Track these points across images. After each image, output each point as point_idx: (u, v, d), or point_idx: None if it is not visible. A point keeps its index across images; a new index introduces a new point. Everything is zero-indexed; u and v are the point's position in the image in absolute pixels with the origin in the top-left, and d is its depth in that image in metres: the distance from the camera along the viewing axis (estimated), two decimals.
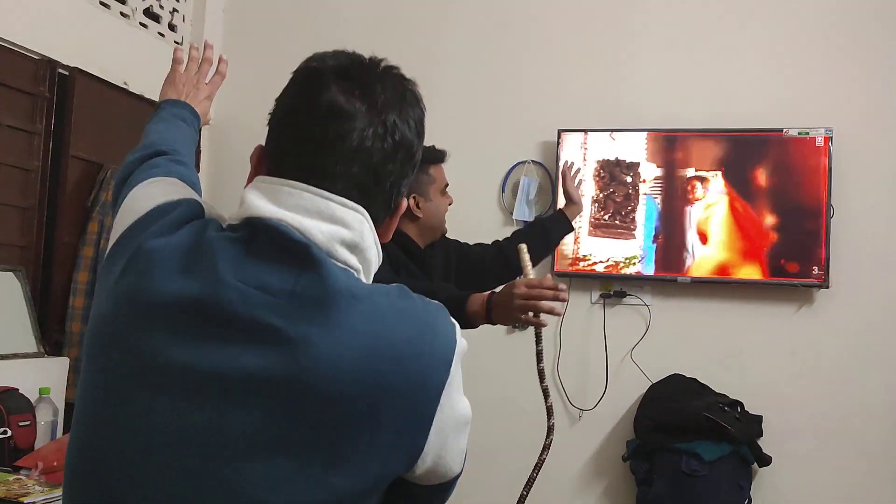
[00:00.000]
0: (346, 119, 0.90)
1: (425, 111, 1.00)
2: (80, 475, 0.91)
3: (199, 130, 1.47)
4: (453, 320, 0.93)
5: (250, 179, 0.96)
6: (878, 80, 3.08)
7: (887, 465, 2.96)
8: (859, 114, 3.08)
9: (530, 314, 1.73)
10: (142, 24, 3.42)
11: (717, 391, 3.06)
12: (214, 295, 0.84)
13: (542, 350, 1.80)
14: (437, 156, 2.17)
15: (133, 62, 3.27)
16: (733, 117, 3.15)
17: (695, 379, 3.10)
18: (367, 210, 0.92)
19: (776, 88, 3.17)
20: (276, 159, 0.94)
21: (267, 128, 0.99)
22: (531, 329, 1.98)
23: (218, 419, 0.82)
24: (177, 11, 3.64)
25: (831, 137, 3.00)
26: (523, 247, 1.85)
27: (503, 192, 3.40)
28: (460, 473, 0.98)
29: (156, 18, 3.52)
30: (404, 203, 0.99)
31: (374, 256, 0.94)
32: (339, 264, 0.88)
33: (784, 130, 3.06)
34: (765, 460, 2.95)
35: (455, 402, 0.90)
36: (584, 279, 3.27)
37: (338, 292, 0.85)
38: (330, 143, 0.90)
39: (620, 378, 3.22)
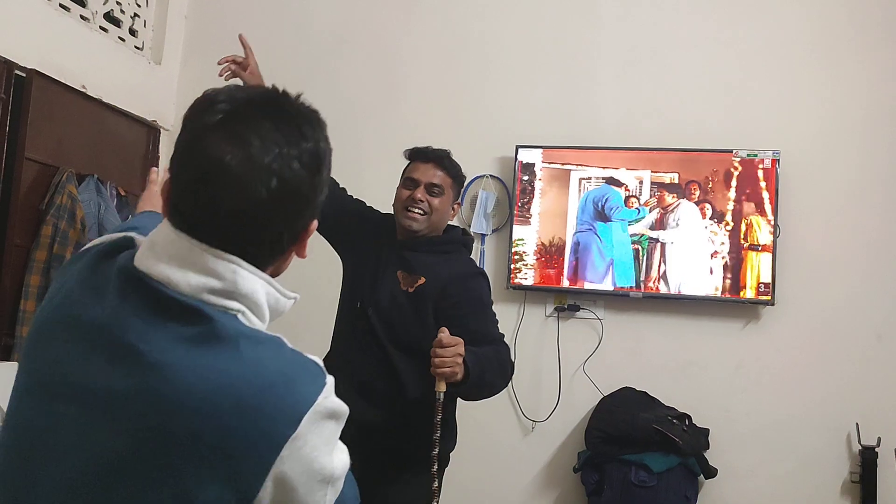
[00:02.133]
0: (220, 177, 0.89)
1: (322, 140, 1.01)
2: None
3: None
4: (326, 381, 0.93)
5: (164, 212, 0.96)
6: (825, 105, 3.20)
7: (829, 476, 3.06)
8: (806, 137, 3.19)
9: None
10: (102, 28, 3.40)
11: (667, 404, 3.12)
12: (107, 320, 0.91)
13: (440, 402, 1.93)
14: (410, 152, 2.28)
15: (92, 66, 3.25)
16: (686, 137, 3.24)
17: (645, 392, 3.17)
18: (249, 257, 0.93)
19: (727, 111, 3.28)
20: (170, 205, 0.95)
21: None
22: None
23: (83, 437, 0.88)
24: (138, 16, 3.63)
25: (778, 159, 3.11)
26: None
27: (461, 205, 3.43)
28: None
29: (116, 23, 3.50)
30: (312, 226, 1.00)
31: (261, 296, 0.95)
32: (216, 309, 0.91)
33: (734, 151, 3.16)
34: (711, 472, 3.02)
35: (305, 458, 0.89)
36: (538, 292, 3.32)
37: (202, 333, 0.89)
38: (207, 204, 0.90)
39: (573, 390, 3.27)
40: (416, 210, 2.17)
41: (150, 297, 0.90)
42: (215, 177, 0.89)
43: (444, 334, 1.90)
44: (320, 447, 0.91)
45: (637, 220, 3.22)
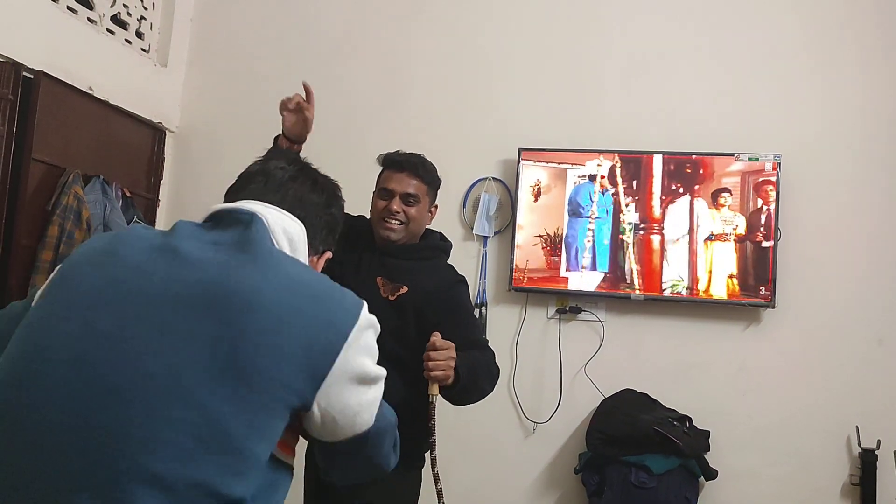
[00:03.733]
0: (283, 173, 1.31)
1: (338, 201, 1.39)
2: None
3: None
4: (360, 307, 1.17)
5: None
6: (825, 108, 3.22)
7: (829, 479, 3.06)
8: (807, 140, 3.21)
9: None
10: (109, 30, 3.43)
11: (668, 406, 3.14)
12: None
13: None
14: (385, 159, 2.25)
15: (99, 68, 3.29)
16: (688, 141, 3.26)
17: (646, 394, 3.18)
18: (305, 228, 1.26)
19: (729, 115, 3.29)
20: (230, 197, 1.30)
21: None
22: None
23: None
24: (144, 19, 3.67)
25: (780, 163, 3.13)
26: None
27: (464, 207, 3.46)
28: (362, 436, 1.16)
29: (123, 25, 3.54)
30: (327, 255, 1.35)
31: (304, 260, 1.24)
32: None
33: (735, 155, 3.17)
34: (711, 474, 3.03)
35: (361, 351, 1.13)
36: (540, 294, 3.34)
37: (271, 246, 1.18)
38: (272, 184, 1.29)
39: (574, 392, 3.28)
40: (393, 221, 2.16)
41: (236, 221, 1.19)
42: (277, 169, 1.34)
43: (437, 338, 1.93)
44: (370, 348, 1.17)
45: (637, 223, 3.24)
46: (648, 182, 3.25)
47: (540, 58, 3.50)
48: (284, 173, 1.30)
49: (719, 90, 3.31)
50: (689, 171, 3.21)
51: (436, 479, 2.03)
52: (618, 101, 3.39)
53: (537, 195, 3.33)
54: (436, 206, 2.28)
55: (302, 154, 3.63)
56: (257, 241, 1.14)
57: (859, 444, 3.01)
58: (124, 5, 3.53)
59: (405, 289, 2.12)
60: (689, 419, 3.08)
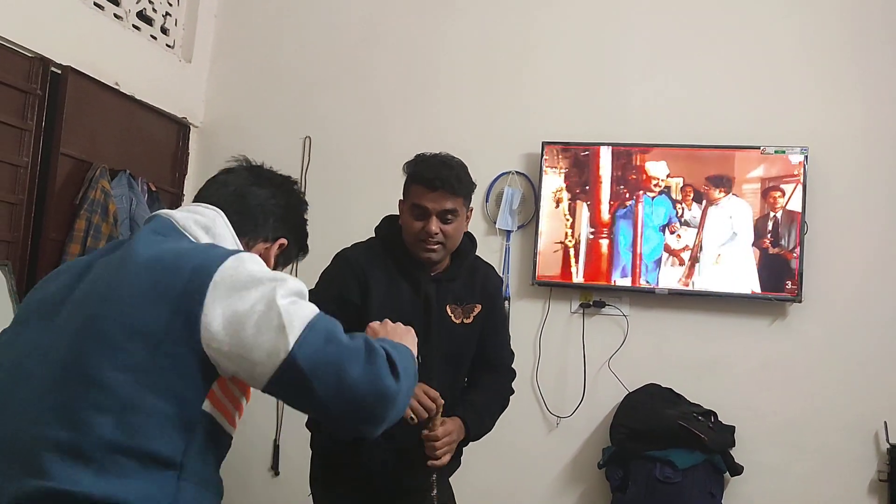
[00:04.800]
0: (226, 175, 1.43)
1: (289, 194, 1.46)
2: None
3: None
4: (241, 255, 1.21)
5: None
6: (853, 100, 3.17)
7: (856, 475, 3.02)
8: (835, 133, 3.17)
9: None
10: (135, 26, 3.46)
11: (692, 401, 3.12)
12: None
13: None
14: (417, 174, 2.03)
15: (125, 63, 3.31)
16: (713, 133, 3.23)
17: (670, 389, 3.16)
18: (226, 216, 1.33)
19: (755, 107, 3.26)
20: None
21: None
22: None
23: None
24: (169, 15, 3.69)
25: (807, 156, 3.09)
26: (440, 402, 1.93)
27: (487, 201, 3.46)
28: (290, 364, 1.11)
29: (148, 21, 3.57)
30: (281, 241, 1.41)
31: (229, 244, 1.29)
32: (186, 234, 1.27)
33: (761, 148, 3.14)
34: (736, 469, 3.01)
35: (231, 275, 1.14)
36: (563, 289, 3.33)
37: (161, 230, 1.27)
38: (212, 185, 1.41)
39: (598, 386, 3.27)
40: (433, 243, 2.00)
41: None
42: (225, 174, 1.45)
43: (440, 430, 1.90)
44: (239, 275, 1.15)
45: (663, 217, 3.22)
46: (674, 175, 3.23)
47: (564, 51, 3.48)
48: (227, 175, 1.42)
49: (745, 81, 3.28)
50: (713, 164, 3.18)
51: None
52: (642, 94, 3.37)
53: (558, 202, 3.32)
54: (471, 209, 2.13)
55: (329, 147, 3.66)
56: (136, 237, 1.24)
57: (888, 440, 2.97)
58: (150, 1, 3.56)
59: (479, 307, 2.12)
60: (714, 414, 3.06)
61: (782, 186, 3.11)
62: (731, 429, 3.08)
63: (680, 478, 2.87)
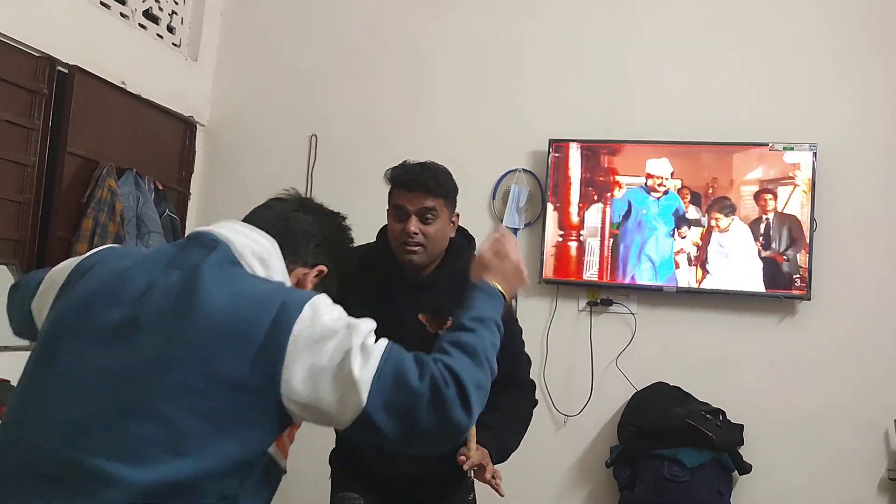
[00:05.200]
0: (276, 202, 1.42)
1: (332, 222, 1.45)
2: None
3: None
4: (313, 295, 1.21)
5: None
6: (863, 97, 3.15)
7: (865, 474, 3.01)
8: (844, 130, 3.15)
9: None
10: (141, 25, 3.46)
11: (700, 399, 3.10)
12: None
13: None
14: (395, 177, 2.03)
15: (132, 62, 3.32)
16: (721, 130, 3.22)
17: (678, 387, 3.15)
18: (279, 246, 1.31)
19: (764, 104, 3.24)
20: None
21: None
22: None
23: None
24: (175, 14, 3.69)
25: (815, 153, 3.07)
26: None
27: (494, 199, 3.45)
28: (365, 416, 1.12)
29: (155, 20, 3.57)
30: (320, 268, 1.37)
31: (280, 277, 1.28)
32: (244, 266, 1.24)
33: (770, 145, 3.13)
34: (745, 468, 3.00)
35: (308, 327, 1.14)
36: (571, 287, 3.32)
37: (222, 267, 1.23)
38: (260, 209, 1.39)
39: (605, 385, 3.26)
40: (413, 244, 1.97)
41: (201, 244, 1.25)
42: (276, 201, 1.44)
43: (478, 455, 1.86)
44: (320, 314, 1.16)
45: (671, 215, 3.20)
46: (682, 172, 3.21)
47: (571, 48, 3.47)
48: (276, 202, 1.42)
49: (753, 78, 3.26)
50: (721, 161, 3.17)
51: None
52: (649, 91, 3.35)
53: (568, 188, 3.31)
54: (457, 215, 2.09)
55: (335, 145, 3.66)
56: (203, 270, 1.19)
57: None
58: (156, 0, 3.56)
59: (451, 321, 2.01)
60: (723, 413, 3.05)
61: (788, 184, 3.09)
62: (740, 427, 3.06)
63: (688, 476, 2.87)
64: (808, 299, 3.05)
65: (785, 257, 3.07)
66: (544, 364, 3.32)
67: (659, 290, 3.20)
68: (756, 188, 3.13)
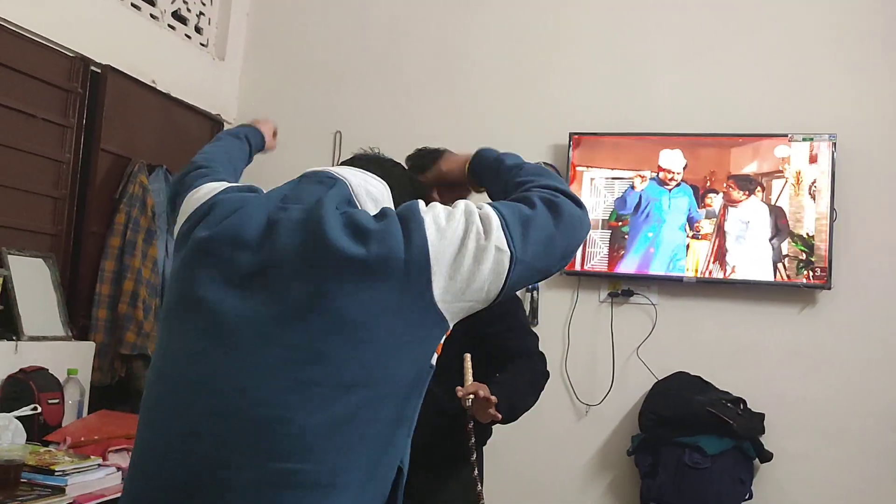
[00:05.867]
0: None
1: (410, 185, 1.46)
2: None
3: (259, 141, 1.89)
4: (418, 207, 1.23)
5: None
6: (883, 86, 3.17)
7: (887, 462, 3.02)
8: (864, 120, 3.16)
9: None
10: (170, 25, 3.55)
11: (721, 389, 3.13)
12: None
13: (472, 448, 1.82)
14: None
15: (161, 61, 3.41)
16: (741, 122, 3.24)
17: (699, 377, 3.18)
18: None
19: (782, 95, 3.26)
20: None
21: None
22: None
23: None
24: (203, 15, 3.78)
25: (835, 143, 3.09)
26: (467, 356, 1.85)
27: None
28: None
29: (183, 21, 3.66)
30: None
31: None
32: (359, 206, 1.27)
33: (789, 136, 3.15)
34: (766, 456, 3.02)
35: (435, 233, 1.16)
36: (592, 278, 3.36)
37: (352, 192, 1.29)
38: (362, 159, 1.45)
39: (627, 375, 3.30)
40: None
41: (319, 181, 1.29)
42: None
43: (468, 386, 1.78)
44: (441, 219, 1.19)
45: (691, 206, 3.23)
46: (703, 164, 3.24)
47: (591, 42, 3.51)
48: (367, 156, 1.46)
49: (773, 69, 3.28)
50: (741, 152, 3.19)
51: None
52: (669, 84, 3.39)
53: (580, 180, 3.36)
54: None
55: (359, 141, 3.72)
56: (324, 210, 1.20)
57: None
58: (184, 1, 3.65)
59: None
60: (744, 401, 3.07)
61: (810, 173, 3.11)
62: (761, 416, 3.09)
63: (709, 463, 2.90)
64: (829, 289, 3.07)
65: (805, 247, 3.09)
66: (566, 355, 3.37)
67: (679, 280, 3.23)
68: (776, 178, 3.15)
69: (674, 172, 3.26)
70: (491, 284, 1.17)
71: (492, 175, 1.52)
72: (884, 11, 3.20)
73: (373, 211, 1.24)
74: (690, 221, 3.23)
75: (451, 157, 1.78)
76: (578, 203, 1.29)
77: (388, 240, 1.14)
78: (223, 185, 1.37)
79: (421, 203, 1.21)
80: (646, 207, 3.29)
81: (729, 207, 3.19)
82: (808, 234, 3.09)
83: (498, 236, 1.16)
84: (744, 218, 3.17)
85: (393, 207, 1.27)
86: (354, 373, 1.10)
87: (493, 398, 1.77)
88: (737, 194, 3.19)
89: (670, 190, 3.26)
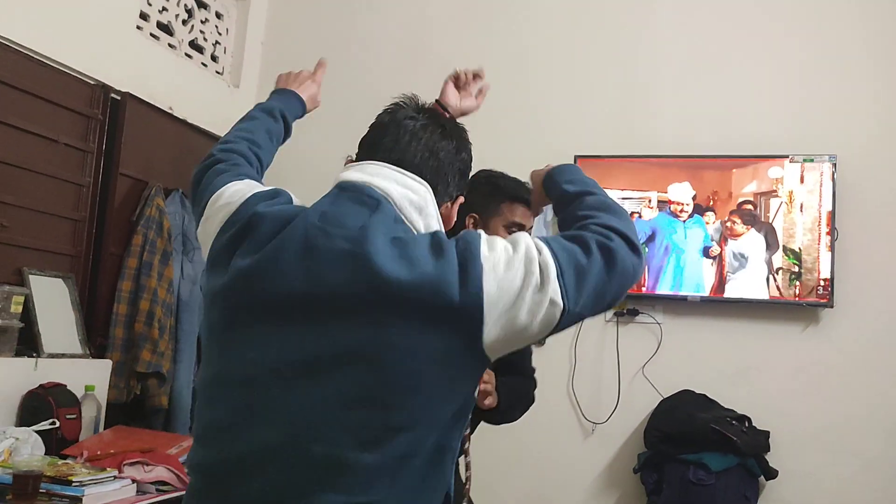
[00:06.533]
0: (412, 119, 1.32)
1: (467, 144, 1.40)
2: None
3: (296, 109, 1.91)
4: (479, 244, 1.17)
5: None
6: (882, 107, 3.22)
7: (893, 480, 3.04)
8: (864, 140, 3.22)
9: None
10: (187, 54, 3.68)
11: (726, 407, 3.16)
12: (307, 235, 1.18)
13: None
14: (516, 193, 2.14)
15: (179, 89, 3.52)
16: (742, 144, 3.31)
17: (704, 395, 3.22)
18: (430, 183, 1.27)
19: (784, 116, 3.33)
20: (363, 150, 1.34)
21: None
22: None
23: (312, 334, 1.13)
24: (219, 44, 3.91)
25: (835, 164, 3.15)
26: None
27: None
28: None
29: (200, 49, 3.78)
30: (460, 199, 1.35)
31: (436, 225, 1.26)
32: (406, 223, 1.22)
33: (790, 157, 3.21)
34: (771, 473, 3.04)
35: (492, 258, 1.13)
36: None
37: (403, 220, 1.22)
38: (399, 125, 1.31)
39: (632, 393, 3.34)
40: None
41: (361, 201, 1.21)
42: (414, 123, 1.33)
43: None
44: (491, 247, 1.15)
45: (695, 226, 3.29)
46: (705, 184, 3.31)
47: (594, 64, 3.60)
48: (415, 123, 1.31)
49: (774, 91, 3.35)
50: (743, 173, 3.26)
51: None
52: (672, 106, 3.46)
53: None
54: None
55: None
56: (371, 238, 1.14)
57: None
58: (201, 31, 3.78)
59: None
60: (748, 419, 3.11)
61: (811, 193, 3.17)
62: (766, 433, 3.11)
63: (713, 480, 2.92)
64: (831, 307, 3.11)
65: (806, 265, 3.13)
66: (573, 373, 3.42)
67: (684, 299, 3.28)
68: (777, 198, 3.21)
69: (683, 203, 3.33)
70: (539, 334, 1.14)
71: (556, 197, 1.47)
72: (883, 32, 3.26)
73: (417, 220, 1.22)
74: (706, 250, 3.28)
75: (535, 172, 1.77)
76: (634, 248, 1.22)
77: (443, 286, 1.09)
78: (249, 187, 1.34)
79: (483, 241, 1.15)
80: (662, 240, 3.34)
81: (729, 239, 3.25)
82: (799, 248, 3.15)
83: (554, 288, 1.11)
84: (745, 244, 3.22)
85: (436, 211, 1.26)
86: (403, 418, 1.10)
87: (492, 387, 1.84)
88: (740, 227, 3.24)
89: (684, 221, 3.32)
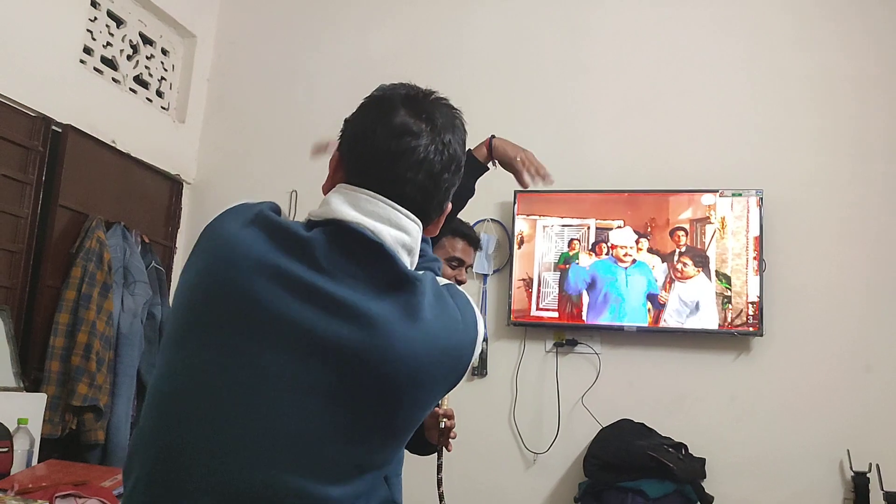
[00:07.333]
0: (415, 137, 1.15)
1: (466, 133, 1.28)
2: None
3: None
4: (475, 310, 1.19)
5: (330, 182, 1.21)
6: (807, 147, 3.38)
7: (824, 502, 3.12)
8: (790, 175, 3.36)
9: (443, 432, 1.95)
10: (132, 89, 3.70)
11: (663, 434, 3.23)
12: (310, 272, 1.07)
13: (441, 464, 1.99)
14: (457, 228, 2.24)
15: (122, 123, 3.53)
16: (675, 179, 3.43)
17: (643, 423, 3.28)
18: (424, 213, 1.18)
19: (714, 154, 3.47)
20: (355, 168, 1.18)
21: (338, 141, 1.30)
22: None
23: (303, 368, 1.05)
24: (164, 79, 3.94)
25: (762, 198, 3.28)
26: None
27: None
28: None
29: (145, 85, 3.81)
30: (449, 206, 1.25)
31: (416, 258, 1.20)
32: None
33: (720, 191, 3.34)
34: (707, 499, 3.10)
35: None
36: (537, 328, 3.48)
37: (407, 276, 1.11)
38: (402, 154, 1.14)
39: (572, 423, 3.39)
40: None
41: (360, 247, 1.10)
42: (413, 137, 1.15)
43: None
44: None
45: (637, 272, 3.39)
46: (641, 216, 3.42)
47: (532, 104, 3.71)
48: (418, 144, 1.16)
49: (705, 129, 3.49)
50: (675, 206, 3.37)
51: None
52: (608, 144, 3.58)
53: (521, 243, 3.51)
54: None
55: (314, 199, 3.85)
56: (421, 299, 1.11)
57: (851, 468, 3.08)
58: (146, 67, 3.80)
59: None
60: (685, 446, 3.17)
61: (739, 226, 3.30)
62: (702, 461, 3.18)
63: None
64: (761, 335, 3.22)
65: (736, 296, 3.24)
66: (514, 404, 3.46)
67: (620, 329, 3.36)
68: (708, 231, 3.33)
69: (627, 247, 3.42)
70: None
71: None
72: (812, 71, 3.42)
73: (405, 261, 1.14)
74: (651, 297, 3.35)
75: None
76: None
77: (457, 356, 1.13)
78: None
79: (477, 311, 1.19)
80: (602, 287, 3.41)
81: (677, 282, 3.34)
82: (729, 273, 3.26)
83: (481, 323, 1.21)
84: (693, 288, 3.33)
85: (422, 239, 1.20)
86: (382, 458, 1.13)
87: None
88: (690, 270, 3.32)
89: (626, 268, 3.41)
